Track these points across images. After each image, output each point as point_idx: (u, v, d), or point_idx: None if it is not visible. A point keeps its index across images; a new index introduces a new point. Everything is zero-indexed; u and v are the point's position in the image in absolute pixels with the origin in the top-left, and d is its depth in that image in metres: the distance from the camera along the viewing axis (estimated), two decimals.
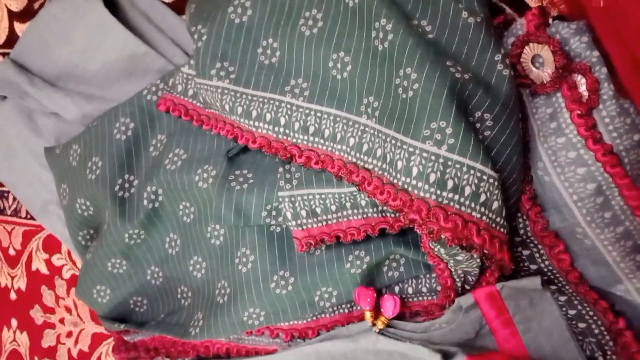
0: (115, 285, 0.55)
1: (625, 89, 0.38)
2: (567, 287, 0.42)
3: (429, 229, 0.36)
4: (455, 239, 0.36)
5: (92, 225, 0.57)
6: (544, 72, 0.41)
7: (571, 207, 0.39)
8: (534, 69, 0.41)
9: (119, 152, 0.53)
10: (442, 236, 0.36)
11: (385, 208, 0.44)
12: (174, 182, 0.48)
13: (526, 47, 0.41)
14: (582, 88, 0.39)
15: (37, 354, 0.75)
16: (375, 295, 0.45)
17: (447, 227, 0.35)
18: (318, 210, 0.44)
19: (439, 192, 0.36)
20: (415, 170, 0.37)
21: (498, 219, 0.37)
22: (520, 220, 0.41)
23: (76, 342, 0.72)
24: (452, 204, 0.36)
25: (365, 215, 0.44)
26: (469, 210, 0.36)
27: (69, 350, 0.72)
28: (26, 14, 0.75)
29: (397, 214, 0.44)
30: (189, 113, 0.52)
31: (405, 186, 0.37)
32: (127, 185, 0.52)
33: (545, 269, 0.42)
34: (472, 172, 0.36)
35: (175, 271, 0.54)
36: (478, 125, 0.38)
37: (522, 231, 0.42)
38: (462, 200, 0.36)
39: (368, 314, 0.45)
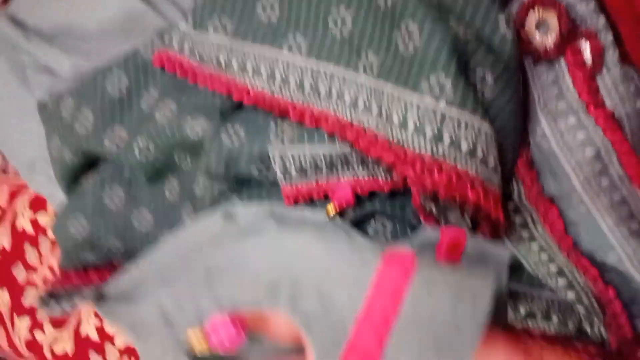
0: (99, 222, 0.53)
1: (630, 55, 0.37)
2: (558, 255, 0.41)
3: (422, 184, 0.36)
4: (448, 194, 0.35)
5: (84, 168, 0.56)
6: (548, 38, 0.40)
7: (568, 173, 0.38)
8: (537, 35, 0.41)
9: (112, 107, 0.52)
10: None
11: (376, 169, 0.43)
12: (164, 133, 0.47)
13: (531, 12, 0.40)
14: (586, 54, 0.38)
15: (17, 311, 0.74)
16: (353, 202, 0.43)
17: (442, 181, 0.35)
18: (308, 169, 0.43)
19: (435, 147, 0.35)
20: (411, 124, 0.36)
21: (493, 177, 0.36)
22: (515, 186, 0.41)
23: None
24: (447, 158, 0.35)
25: (355, 176, 0.43)
26: (465, 166, 0.35)
27: None
28: None
29: (388, 177, 0.43)
30: (184, 69, 0.51)
31: (401, 141, 0.36)
32: (117, 139, 0.51)
33: (537, 235, 0.41)
34: (469, 127, 0.35)
35: (168, 219, 0.53)
36: (479, 84, 0.37)
37: (515, 196, 0.41)
38: (457, 155, 0.35)
39: (330, 207, 0.43)
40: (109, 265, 0.56)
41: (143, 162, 0.49)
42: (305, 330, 0.29)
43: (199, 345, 0.29)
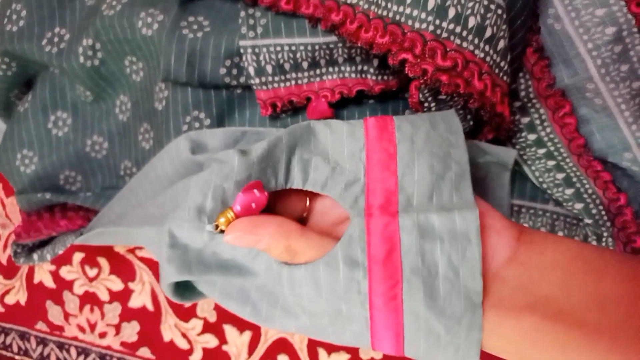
0: (47, 152, 0.46)
1: None
2: (567, 160, 0.37)
3: (422, 70, 0.30)
4: (452, 84, 0.30)
5: (19, 83, 0.48)
6: None
7: (584, 58, 0.33)
8: None
9: (49, 0, 0.44)
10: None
11: (365, 69, 0.38)
12: (113, 30, 0.39)
13: None
14: None
15: None
16: (330, 114, 0.39)
17: (446, 66, 0.30)
18: (287, 66, 0.37)
19: (437, 22, 0.30)
20: None
21: (502, 64, 0.31)
22: (522, 80, 0.36)
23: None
24: (452, 37, 0.30)
25: (341, 75, 0.38)
26: (471, 48, 0.30)
27: None
28: None
29: (379, 77, 0.38)
30: None
31: (398, 17, 0.31)
32: (56, 39, 0.43)
33: (545, 138, 0.37)
34: None
35: (123, 142, 0.46)
36: None
37: (523, 93, 0.36)
38: (464, 34, 0.30)
39: None
40: (76, 207, 0.50)
41: (87, 67, 0.42)
42: (323, 191, 0.28)
43: (226, 221, 0.27)
